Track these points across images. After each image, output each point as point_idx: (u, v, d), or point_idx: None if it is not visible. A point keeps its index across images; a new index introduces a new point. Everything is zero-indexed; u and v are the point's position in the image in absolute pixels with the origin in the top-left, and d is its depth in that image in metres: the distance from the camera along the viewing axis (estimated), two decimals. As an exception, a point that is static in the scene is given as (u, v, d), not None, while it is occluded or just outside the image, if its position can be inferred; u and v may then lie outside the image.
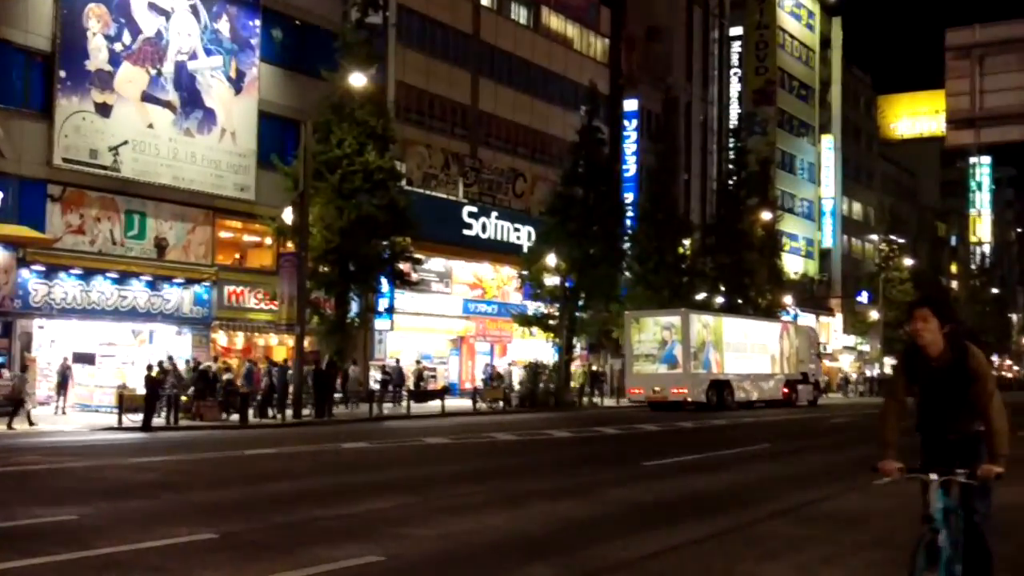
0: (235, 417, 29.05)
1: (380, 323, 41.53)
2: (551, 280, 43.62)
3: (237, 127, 36.36)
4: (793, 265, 77.29)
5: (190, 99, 34.99)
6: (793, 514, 11.10)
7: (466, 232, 47.51)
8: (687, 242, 54.31)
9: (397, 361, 39.47)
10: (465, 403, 39.54)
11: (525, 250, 47.01)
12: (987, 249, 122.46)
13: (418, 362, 42.03)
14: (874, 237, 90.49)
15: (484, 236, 48.55)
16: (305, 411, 30.97)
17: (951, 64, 24.75)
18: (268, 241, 37.61)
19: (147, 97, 33.72)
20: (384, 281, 37.29)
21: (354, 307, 36.07)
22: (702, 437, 24.87)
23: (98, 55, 32.38)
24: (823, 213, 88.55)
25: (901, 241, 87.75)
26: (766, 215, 62.20)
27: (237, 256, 38.41)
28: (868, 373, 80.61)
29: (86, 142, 31.91)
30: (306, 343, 32.59)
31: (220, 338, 36.82)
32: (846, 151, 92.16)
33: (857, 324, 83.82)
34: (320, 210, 33.39)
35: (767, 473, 15.83)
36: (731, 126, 70.48)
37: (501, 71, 52.13)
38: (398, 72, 44.98)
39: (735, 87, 75.04)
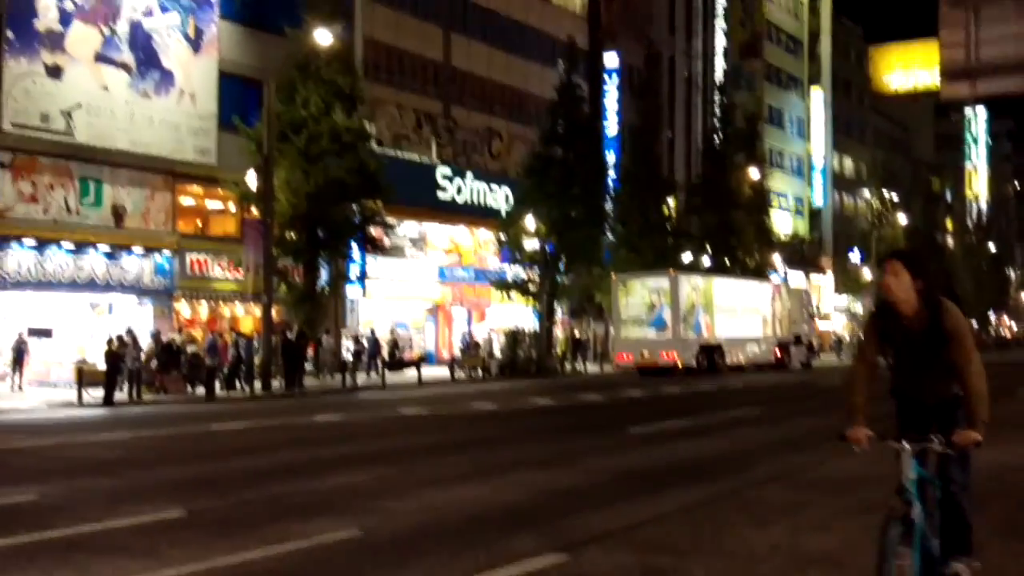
0: (201, 391, 29.02)
1: (352, 291, 41.49)
2: (530, 244, 43.64)
3: (196, 88, 36.04)
4: (782, 224, 77.56)
5: (146, 59, 34.63)
6: (785, 479, 11.18)
7: (440, 195, 47.41)
8: (672, 202, 54.42)
9: (372, 331, 39.45)
10: (443, 372, 39.62)
11: (503, 213, 46.99)
12: (984, 205, 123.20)
13: (392, 331, 42.05)
14: (866, 193, 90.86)
15: (459, 199, 48.46)
16: (274, 383, 30.95)
17: (945, 13, 24.77)
18: (232, 207, 37.42)
19: (100, 58, 33.36)
20: (355, 247, 37.23)
21: (324, 275, 35.98)
22: (690, 402, 24.99)
23: (47, 14, 31.98)
24: (813, 169, 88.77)
25: (894, 197, 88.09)
26: (754, 173, 62.29)
27: (199, 223, 38.19)
28: (861, 335, 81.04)
29: (37, 106, 31.57)
30: (274, 313, 32.51)
31: (183, 309, 36.70)
32: (836, 105, 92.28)
33: (849, 284, 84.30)
34: (286, 174, 33.22)
35: (757, 438, 15.93)
36: (717, 81, 70.40)
37: (475, 26, 51.81)
38: (366, 28, 44.66)
39: (720, 40, 74.80)
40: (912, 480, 5.31)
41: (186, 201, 37.27)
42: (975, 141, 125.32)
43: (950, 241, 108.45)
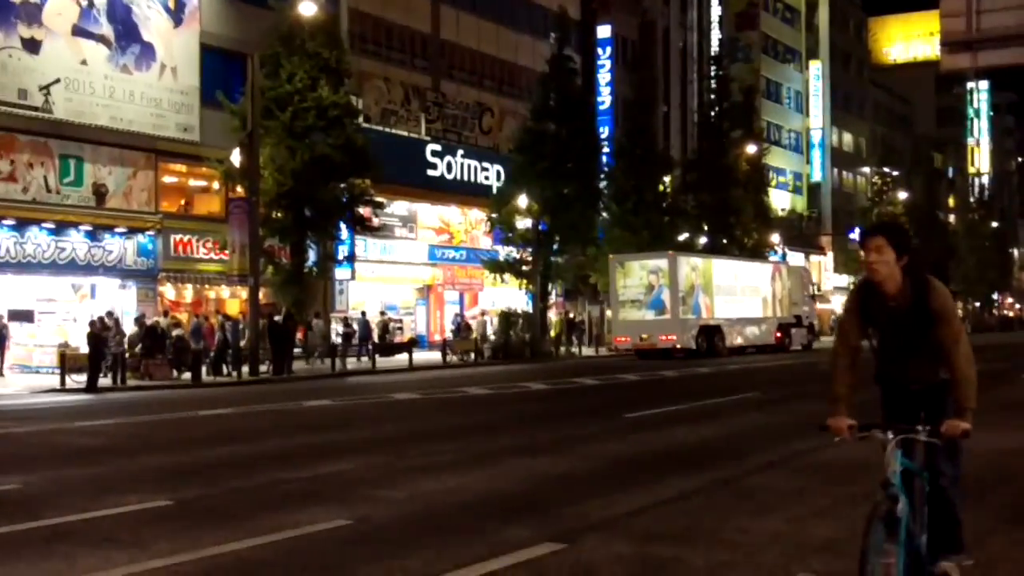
0: (187, 375, 29.01)
1: (340, 272, 41.41)
2: (523, 223, 43.61)
3: (178, 62, 35.89)
4: (780, 201, 77.60)
5: (126, 32, 34.46)
6: (784, 466, 11.24)
7: (430, 172, 47.32)
8: (667, 179, 54.32)
9: (363, 314, 39.34)
10: (434, 356, 39.63)
11: (494, 191, 46.93)
12: (986, 180, 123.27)
13: (383, 313, 42.03)
14: (866, 170, 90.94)
15: (450, 176, 48.37)
16: (262, 368, 30.94)
17: (946, -19, 24.66)
18: (216, 186, 37.31)
19: (79, 31, 33.18)
20: (343, 227, 37.14)
21: (312, 256, 35.92)
22: (687, 386, 25.07)
23: (24, -14, 31.80)
24: (812, 145, 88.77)
25: (895, 173, 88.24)
26: (751, 148, 62.28)
27: (183, 203, 38.09)
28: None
29: (14, 81, 31.42)
30: (261, 295, 32.47)
31: (168, 291, 36.63)
32: (835, 78, 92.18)
33: (849, 263, 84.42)
34: (271, 151, 33.12)
35: (756, 423, 15.99)
36: (712, 53, 70.21)
37: (464, -4, 51.60)
38: (352, -1, 44.46)
39: (716, 11, 74.62)
40: (897, 472, 5.04)
41: (169, 180, 37.17)
42: (977, 115, 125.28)
43: (952, 218, 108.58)
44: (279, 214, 34.06)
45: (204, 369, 29.75)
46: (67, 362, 26.58)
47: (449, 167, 48.42)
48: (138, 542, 7.61)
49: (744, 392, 21.98)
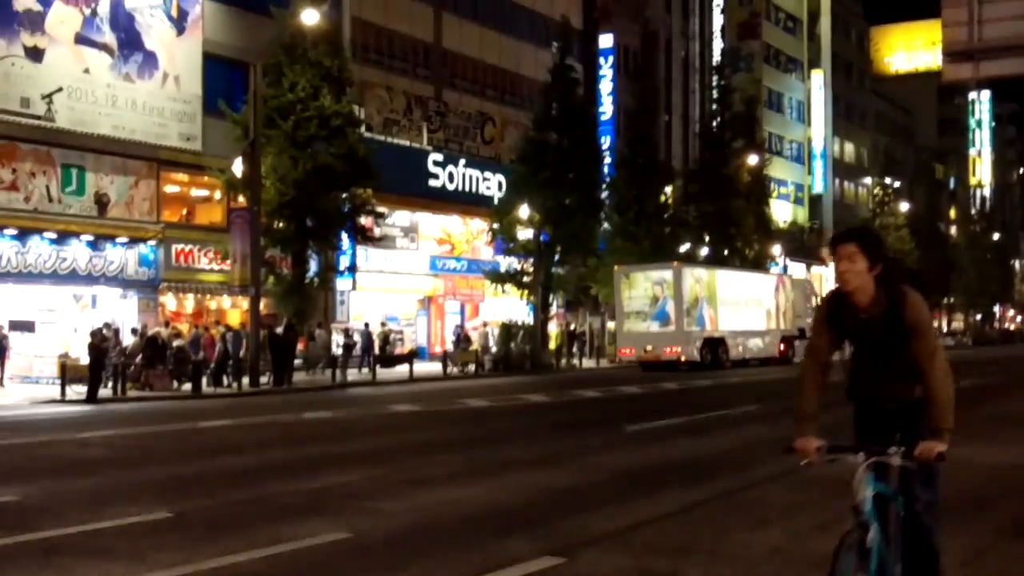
0: (187, 387, 28.99)
1: (341, 283, 41.44)
2: (524, 233, 43.61)
3: (181, 71, 35.94)
4: (782, 212, 77.63)
5: (129, 41, 34.52)
6: (784, 479, 11.21)
7: (432, 182, 47.35)
8: (669, 189, 54.36)
9: (366, 325, 39.26)
10: (435, 367, 39.60)
11: (496, 201, 46.93)
12: (988, 192, 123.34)
13: (383, 324, 42.03)
14: (868, 181, 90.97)
15: (451, 187, 48.41)
16: (263, 379, 30.93)
17: (947, -9, 24.67)
18: (218, 195, 37.34)
19: (82, 39, 33.24)
20: (345, 237, 37.18)
21: (313, 266, 35.93)
22: (688, 399, 25.06)
23: (27, -6, 31.87)
24: (813, 156, 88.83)
25: (897, 184, 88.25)
26: (753, 159, 62.31)
27: (185, 212, 38.12)
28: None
29: (16, 89, 31.46)
30: (262, 306, 32.48)
31: (169, 301, 36.63)
32: (837, 88, 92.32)
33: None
34: (273, 160, 33.15)
35: (756, 436, 15.98)
36: (714, 63, 70.35)
37: (466, 5, 51.73)
38: (354, 8, 44.56)
39: (718, 20, 74.80)
40: (868, 498, 4.74)
41: (171, 189, 37.20)
42: (979, 125, 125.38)
43: (954, 230, 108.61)
44: (281, 224, 34.08)
45: (204, 380, 29.74)
46: (67, 373, 26.57)
47: (451, 177, 48.46)
48: (137, 554, 7.61)
49: (745, 405, 21.97)
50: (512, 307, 45.79)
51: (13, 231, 31.25)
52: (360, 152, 35.11)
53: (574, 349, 48.10)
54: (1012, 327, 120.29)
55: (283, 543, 7.89)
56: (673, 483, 10.95)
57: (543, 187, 43.13)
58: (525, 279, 44.06)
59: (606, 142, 54.71)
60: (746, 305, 44.74)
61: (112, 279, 33.98)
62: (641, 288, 41.14)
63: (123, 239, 34.10)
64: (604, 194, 48.86)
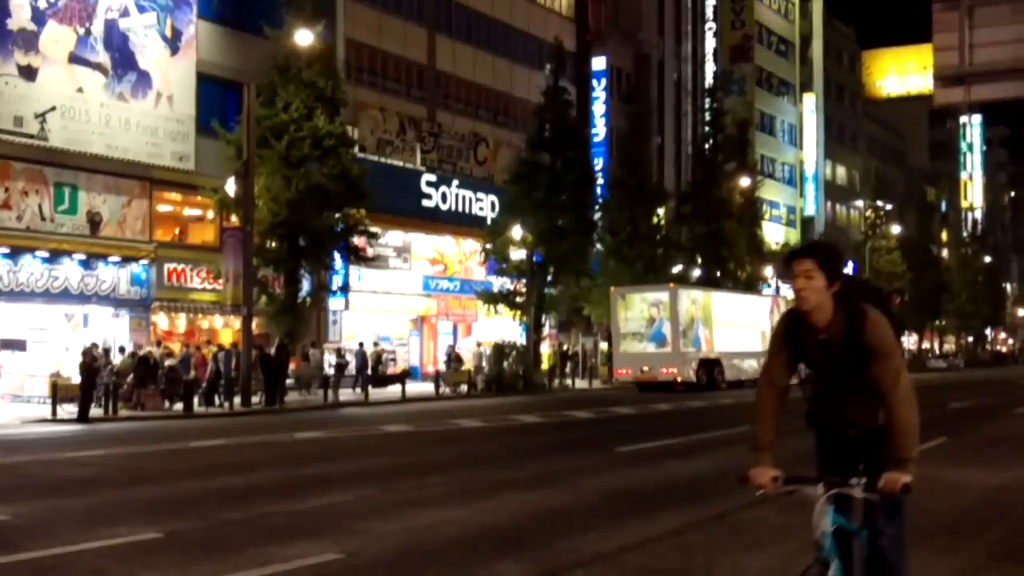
0: (179, 406, 28.91)
1: (334, 303, 41.41)
2: (517, 254, 43.64)
3: (174, 91, 35.98)
4: (774, 234, 77.77)
5: (122, 61, 34.56)
6: (777, 501, 11.15)
7: (425, 203, 47.40)
8: (661, 211, 54.47)
9: (361, 344, 39.23)
10: (427, 387, 39.55)
11: (489, 222, 47.01)
12: (979, 215, 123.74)
13: (376, 344, 41.97)
14: (859, 203, 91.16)
15: (444, 207, 48.46)
16: (254, 399, 30.86)
17: (938, 16, 24.82)
18: (210, 215, 37.33)
19: (75, 59, 33.28)
20: (337, 257, 37.16)
21: (305, 286, 35.91)
22: (681, 420, 25.04)
23: (20, 13, 31.89)
24: (805, 178, 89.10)
25: (888, 207, 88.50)
26: (745, 181, 62.46)
27: (177, 232, 38.10)
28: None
29: (10, 108, 31.46)
30: (254, 325, 32.43)
31: (161, 321, 36.57)
32: (829, 111, 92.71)
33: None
34: (266, 180, 33.17)
35: (749, 457, 15.92)
36: (707, 85, 70.62)
37: (460, 27, 51.92)
38: (348, 29, 44.68)
39: (710, 43, 75.13)
40: (828, 533, 4.40)
41: (164, 208, 37.19)
42: (970, 149, 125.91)
43: (945, 253, 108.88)
44: (273, 244, 34.07)
45: (196, 400, 29.66)
46: (59, 392, 26.47)
47: (444, 197, 48.51)
48: (127, 574, 7.56)
49: (738, 426, 21.91)
50: (505, 327, 45.77)
51: (5, 249, 31.20)
52: (353, 172, 35.15)
53: (567, 369, 48.06)
54: (1004, 349, 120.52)
55: (273, 564, 7.85)
56: (665, 505, 10.92)
57: (536, 208, 43.22)
58: (518, 299, 44.09)
59: (599, 163, 54.88)
60: (741, 327, 44.83)
61: (104, 298, 33.91)
62: (637, 309, 41.25)
63: (115, 258, 34.05)
64: (597, 215, 48.95)
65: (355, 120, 42.07)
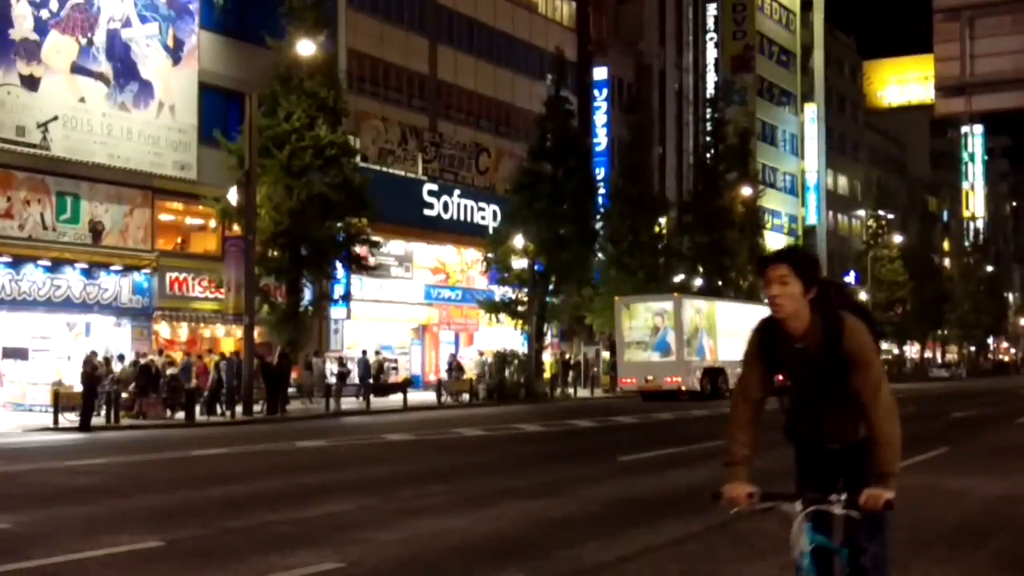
0: (181, 415, 28.89)
1: (336, 312, 41.40)
2: (519, 263, 43.64)
3: (176, 100, 36.03)
4: (775, 244, 77.69)
5: (124, 70, 34.62)
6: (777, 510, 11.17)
7: (427, 212, 47.42)
8: (663, 220, 54.49)
9: (364, 353, 39.22)
10: (429, 396, 39.53)
11: (490, 231, 47.02)
12: (981, 224, 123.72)
13: (378, 353, 41.96)
14: (861, 213, 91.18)
15: (446, 216, 48.48)
16: (256, 407, 30.84)
17: (939, 27, 24.83)
18: (212, 224, 37.28)
19: (78, 69, 33.33)
20: (339, 266, 37.16)
21: (307, 295, 35.92)
22: (683, 429, 25.01)
23: (23, 23, 31.95)
24: (807, 188, 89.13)
25: (890, 217, 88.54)
26: (746, 191, 62.50)
27: (179, 241, 38.13)
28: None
29: (12, 118, 31.50)
30: (256, 334, 32.41)
31: (163, 330, 36.58)
32: (830, 121, 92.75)
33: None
34: (268, 190, 33.19)
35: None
36: (708, 95, 70.68)
37: (461, 37, 51.99)
38: (349, 39, 44.74)
39: (712, 53, 75.24)
40: (806, 552, 4.21)
41: (166, 217, 37.22)
42: (971, 159, 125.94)
43: (947, 263, 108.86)
44: (275, 253, 34.07)
45: (198, 409, 29.64)
46: (61, 400, 26.46)
47: (446, 207, 48.54)
48: (128, 584, 7.56)
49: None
50: (506, 336, 45.76)
51: (7, 259, 31.23)
52: (355, 182, 35.17)
53: (568, 378, 48.04)
54: (1006, 359, 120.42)
55: (274, 572, 7.85)
56: (667, 514, 10.90)
57: (537, 217, 43.24)
58: (519, 308, 44.07)
59: (600, 173, 54.89)
60: (745, 336, 44.66)
61: (106, 307, 33.92)
62: (642, 319, 41.33)
63: (117, 267, 34.07)
64: (598, 224, 48.94)
65: (357, 130, 42.12)
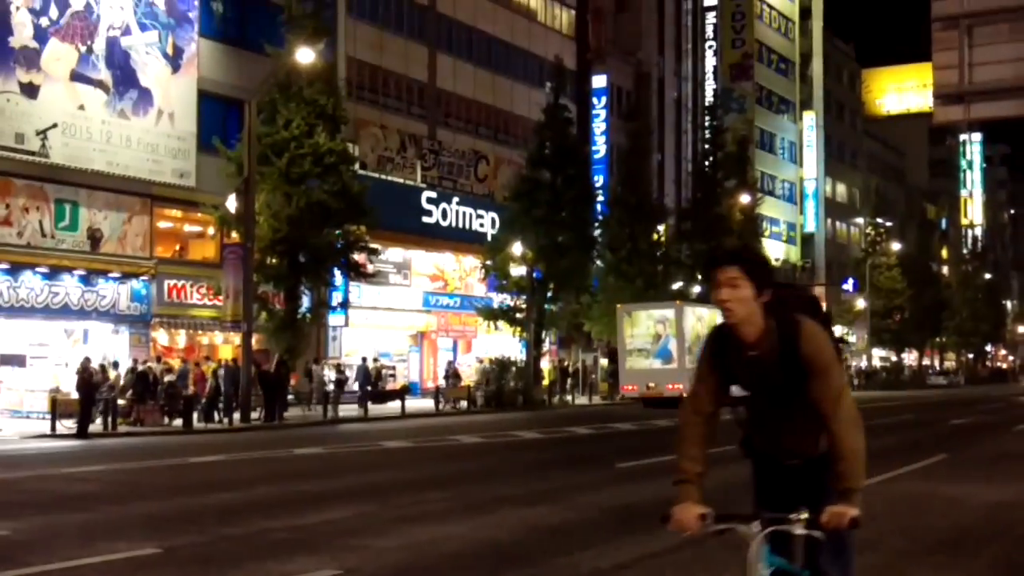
0: (178, 422, 28.87)
1: (334, 319, 41.37)
2: (517, 270, 43.65)
3: (175, 108, 36.05)
4: (774, 251, 77.83)
5: (124, 78, 34.63)
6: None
7: (425, 219, 47.44)
8: (661, 228, 54.51)
9: (364, 360, 39.18)
10: (427, 403, 39.52)
11: (489, 238, 47.02)
12: (979, 232, 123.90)
13: (376, 360, 41.95)
14: (859, 220, 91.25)
15: (445, 224, 48.50)
16: (254, 415, 30.82)
17: (938, 35, 24.88)
18: (211, 231, 37.31)
19: (77, 76, 33.34)
20: (337, 273, 37.14)
21: (305, 302, 35.89)
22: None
23: (23, 31, 31.97)
24: (805, 195, 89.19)
25: (888, 224, 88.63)
26: (745, 198, 62.49)
27: (178, 248, 38.12)
28: (854, 365, 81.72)
29: (11, 126, 31.50)
30: (254, 341, 32.41)
31: (160, 337, 36.55)
32: (829, 129, 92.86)
33: (843, 314, 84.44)
34: (267, 197, 33.19)
35: (746, 475, 15.92)
36: (707, 103, 70.77)
37: (460, 45, 52.05)
38: (349, 47, 44.80)
39: (710, 61, 75.35)
40: None
41: (164, 225, 37.21)
42: (970, 166, 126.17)
43: (946, 270, 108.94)
44: (273, 260, 34.05)
45: (196, 416, 29.60)
46: (58, 407, 26.45)
47: (444, 214, 48.56)
48: (125, 591, 7.55)
49: (732, 444, 21.92)
50: (505, 343, 45.76)
51: (6, 265, 31.20)
52: (354, 189, 35.18)
53: (567, 386, 48.04)
54: (1004, 366, 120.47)
55: (272, 580, 7.84)
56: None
57: (536, 225, 43.26)
58: (518, 316, 44.08)
59: (599, 181, 54.88)
60: None
61: (104, 314, 33.90)
62: (643, 326, 41.36)
63: (116, 274, 34.04)
64: (597, 232, 48.97)
65: (356, 137, 42.15)
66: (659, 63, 67.95)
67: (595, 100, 61.24)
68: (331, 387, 35.42)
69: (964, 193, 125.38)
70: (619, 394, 44.03)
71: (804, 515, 3.90)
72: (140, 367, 30.31)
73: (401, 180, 46.79)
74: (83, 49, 33.55)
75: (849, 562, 4.25)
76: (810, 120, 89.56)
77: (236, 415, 30.35)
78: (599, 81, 61.24)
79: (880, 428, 27.10)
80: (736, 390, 4.34)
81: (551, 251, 43.50)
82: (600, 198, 51.19)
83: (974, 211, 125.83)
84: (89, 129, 33.42)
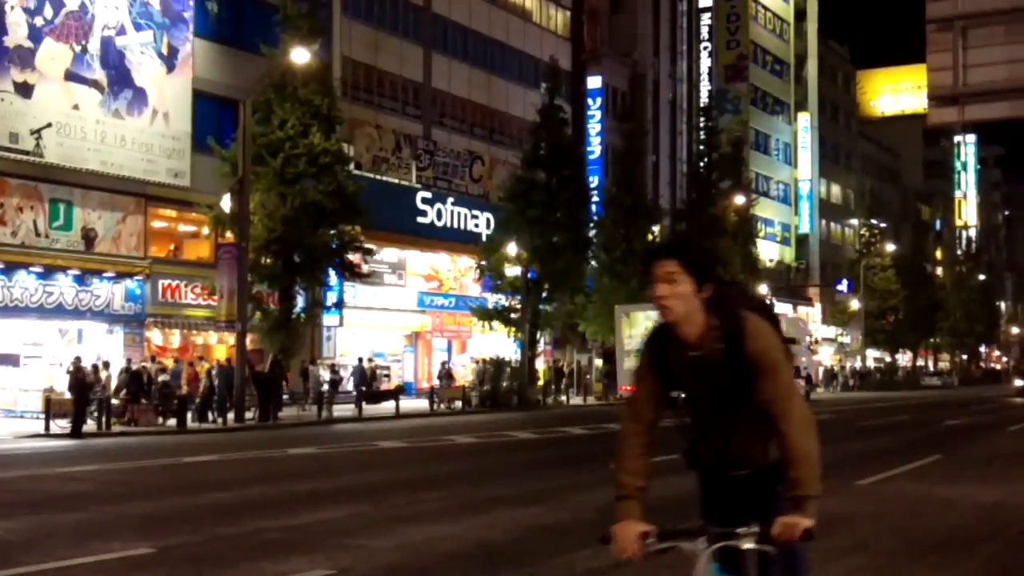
0: (172, 422, 28.82)
1: (328, 319, 41.32)
2: (512, 271, 43.64)
3: (170, 108, 36.01)
4: (768, 252, 77.89)
5: (118, 78, 34.59)
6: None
7: (420, 220, 47.42)
8: (656, 229, 54.52)
9: (360, 360, 39.11)
10: (422, 403, 39.50)
11: (484, 239, 46.98)
12: (973, 233, 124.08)
13: (370, 360, 41.94)
14: (854, 222, 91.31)
15: (440, 224, 48.48)
16: (248, 415, 30.78)
17: (932, 37, 24.92)
18: (205, 231, 37.28)
19: (72, 76, 33.29)
20: (332, 273, 37.11)
21: (300, 302, 35.82)
22: (674, 437, 24.99)
23: (17, 30, 31.92)
24: (800, 196, 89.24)
25: (883, 225, 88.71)
26: (740, 199, 62.53)
27: (172, 248, 38.06)
28: (848, 365, 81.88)
29: (6, 125, 31.45)
30: (248, 341, 32.37)
31: (155, 336, 36.51)
32: (823, 130, 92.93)
33: (837, 314, 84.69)
34: (261, 197, 33.16)
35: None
36: (702, 104, 70.73)
37: (456, 46, 52.02)
38: (344, 47, 44.75)
39: (705, 62, 75.35)
40: None
41: (159, 225, 37.14)
42: (964, 168, 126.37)
43: (940, 271, 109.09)
44: (268, 260, 34.02)
45: (190, 416, 29.56)
46: (52, 407, 26.40)
47: (439, 214, 48.54)
48: (119, 591, 7.54)
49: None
50: (499, 344, 45.76)
51: (0, 265, 31.15)
52: (349, 189, 35.14)
53: (561, 386, 48.04)
54: (998, 367, 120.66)
55: (267, 579, 7.83)
56: (660, 521, 10.87)
57: (531, 225, 43.24)
58: (513, 316, 44.07)
59: (594, 181, 54.84)
60: None
61: (98, 314, 33.85)
62: (642, 327, 41.30)
63: (110, 274, 33.98)
64: (592, 232, 48.95)
65: (351, 137, 42.11)
66: (654, 64, 67.97)
67: (590, 101, 61.24)
68: (326, 387, 35.44)
69: (958, 194, 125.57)
70: (614, 394, 43.97)
71: (755, 528, 3.66)
72: (134, 367, 30.28)
73: (396, 180, 46.76)
74: (78, 49, 33.50)
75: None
76: (805, 121, 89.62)
77: (230, 415, 30.30)
78: (594, 82, 61.25)
79: (874, 429, 27.15)
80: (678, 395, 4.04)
81: (546, 251, 43.48)
82: (595, 199, 51.17)
83: (968, 212, 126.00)
84: (84, 129, 33.37)
